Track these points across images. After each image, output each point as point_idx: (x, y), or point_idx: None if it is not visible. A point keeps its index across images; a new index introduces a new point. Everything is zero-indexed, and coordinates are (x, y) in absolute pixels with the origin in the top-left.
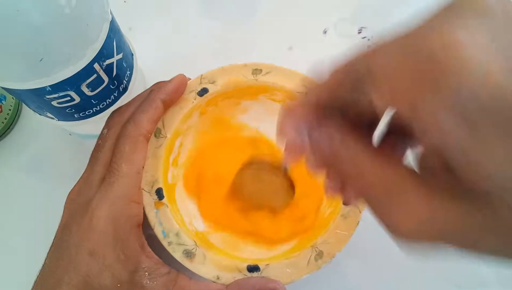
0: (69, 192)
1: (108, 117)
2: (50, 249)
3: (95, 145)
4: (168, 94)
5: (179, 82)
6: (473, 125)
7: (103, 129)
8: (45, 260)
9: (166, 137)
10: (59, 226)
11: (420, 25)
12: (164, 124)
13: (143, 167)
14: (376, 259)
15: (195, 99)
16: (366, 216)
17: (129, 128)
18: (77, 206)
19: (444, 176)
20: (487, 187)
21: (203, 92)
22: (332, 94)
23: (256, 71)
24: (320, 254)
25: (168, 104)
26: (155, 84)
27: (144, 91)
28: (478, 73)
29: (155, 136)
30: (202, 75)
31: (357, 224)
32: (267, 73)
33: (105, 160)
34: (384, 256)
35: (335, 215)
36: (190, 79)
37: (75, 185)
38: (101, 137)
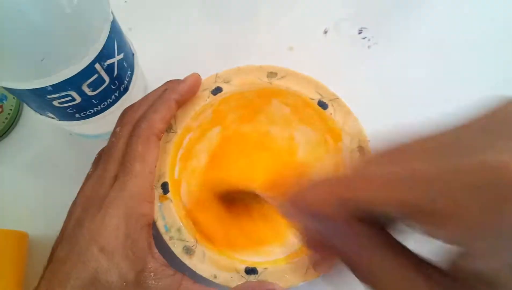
0: (84, 189)
1: (121, 115)
2: (60, 243)
3: (108, 142)
4: (182, 95)
5: (193, 82)
6: None
7: (116, 127)
8: (54, 253)
9: (176, 132)
10: (69, 221)
11: (464, 147)
12: (176, 120)
13: (155, 167)
14: None
15: (208, 97)
16: None
17: (142, 127)
18: (91, 203)
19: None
20: None
21: (217, 91)
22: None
23: (271, 74)
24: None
25: (181, 103)
26: (168, 82)
27: (157, 89)
28: None
29: (166, 130)
30: (217, 74)
31: None
32: (282, 77)
33: (118, 158)
34: None
35: None
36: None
37: (89, 182)
38: (114, 135)
